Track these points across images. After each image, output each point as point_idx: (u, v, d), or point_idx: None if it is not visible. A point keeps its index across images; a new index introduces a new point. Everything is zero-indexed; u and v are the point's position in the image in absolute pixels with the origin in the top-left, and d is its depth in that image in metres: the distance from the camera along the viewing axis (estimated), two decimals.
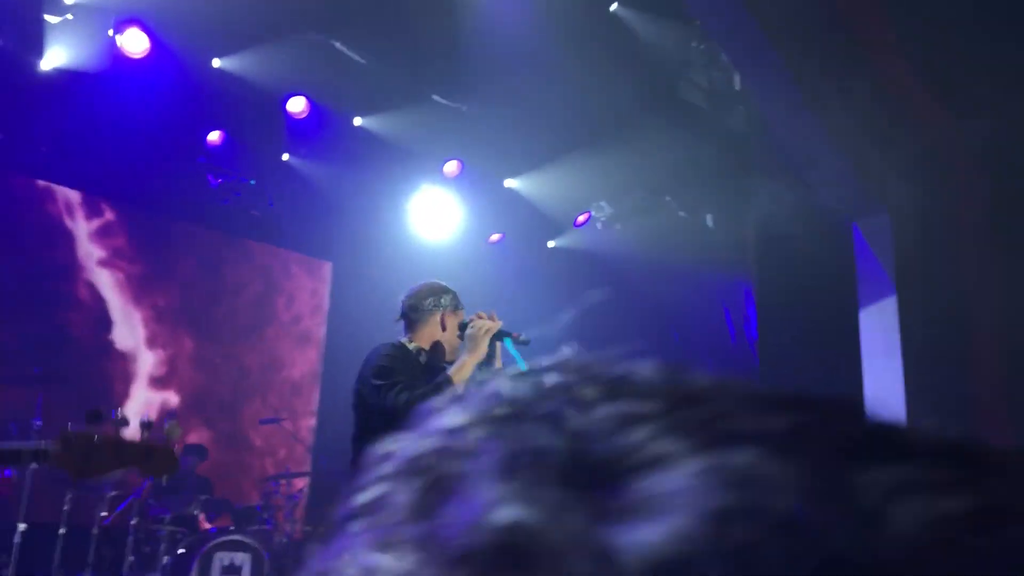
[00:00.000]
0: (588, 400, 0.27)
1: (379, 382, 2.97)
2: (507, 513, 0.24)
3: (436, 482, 0.26)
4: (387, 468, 0.29)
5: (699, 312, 7.88)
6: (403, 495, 0.27)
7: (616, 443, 0.25)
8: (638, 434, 0.25)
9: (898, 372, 6.75)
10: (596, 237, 8.03)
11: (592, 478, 0.24)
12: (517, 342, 3.17)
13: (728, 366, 7.90)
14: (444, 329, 3.24)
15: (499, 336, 3.15)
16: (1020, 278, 5.93)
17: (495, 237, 8.43)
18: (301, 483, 7.47)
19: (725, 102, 7.00)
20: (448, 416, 0.30)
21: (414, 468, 0.28)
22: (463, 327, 3.20)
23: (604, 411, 0.27)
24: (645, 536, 0.22)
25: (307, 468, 8.06)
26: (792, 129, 6.52)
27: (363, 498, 0.29)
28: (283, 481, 7.10)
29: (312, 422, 8.51)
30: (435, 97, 6.98)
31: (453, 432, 0.28)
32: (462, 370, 3.05)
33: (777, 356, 7.59)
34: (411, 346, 3.22)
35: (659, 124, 6.91)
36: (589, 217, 7.98)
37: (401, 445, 0.30)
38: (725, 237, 7.57)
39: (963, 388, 6.09)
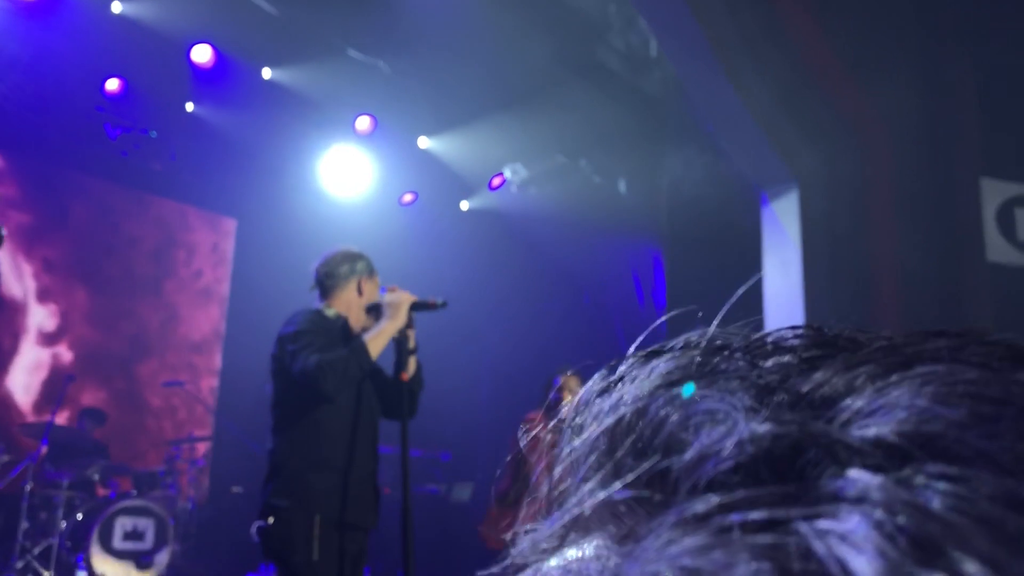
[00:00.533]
0: (765, 352, 0.30)
1: (293, 347, 2.97)
2: (766, 428, 0.26)
3: (676, 421, 0.28)
4: (611, 417, 0.30)
5: (610, 277, 7.83)
6: (647, 432, 0.29)
7: (815, 379, 0.28)
8: (827, 371, 0.28)
9: None
10: (510, 200, 7.97)
11: (813, 404, 0.27)
12: (435, 308, 3.18)
13: (636, 330, 7.90)
14: (360, 295, 3.24)
15: (417, 306, 3.18)
16: (924, 247, 6.13)
17: (408, 198, 8.29)
18: (204, 447, 7.40)
19: (642, 67, 6.99)
20: (654, 370, 0.32)
21: (643, 414, 0.29)
22: (373, 306, 3.22)
23: (780, 360, 0.30)
24: (892, 424, 0.25)
25: (209, 431, 7.92)
26: (707, 96, 6.58)
27: (596, 442, 0.31)
28: (185, 445, 7.00)
29: (214, 383, 8.30)
30: (350, 51, 6.78)
31: (667, 383, 0.30)
32: (380, 337, 3.06)
33: (684, 322, 7.55)
34: (329, 312, 3.21)
35: (576, 87, 6.89)
36: (504, 180, 7.90)
37: (608, 399, 0.32)
38: (637, 202, 7.54)
39: None
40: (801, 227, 6.88)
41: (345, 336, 3.14)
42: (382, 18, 6.41)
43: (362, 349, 2.99)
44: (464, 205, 8.45)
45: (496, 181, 7.98)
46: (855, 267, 6.58)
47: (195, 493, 6.97)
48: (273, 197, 7.98)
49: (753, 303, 7.21)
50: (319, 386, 2.89)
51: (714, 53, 6.10)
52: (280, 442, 3.07)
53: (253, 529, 2.94)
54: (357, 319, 3.20)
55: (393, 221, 8.07)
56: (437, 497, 7.09)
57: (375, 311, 3.18)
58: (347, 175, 7.82)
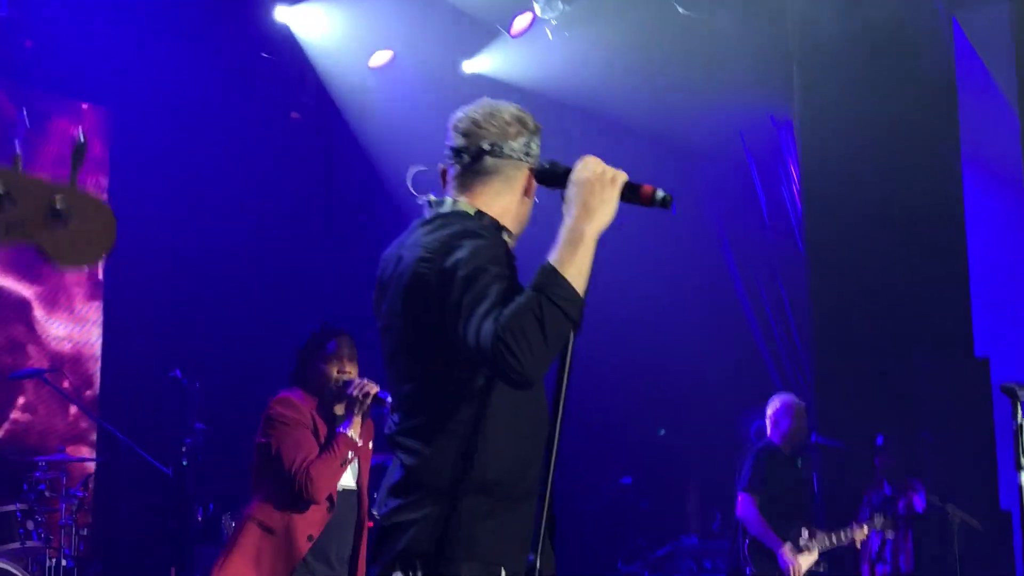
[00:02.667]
0: None
1: (469, 294, 2.40)
2: None
3: None
4: None
5: (710, 163, 7.36)
6: None
7: None
8: None
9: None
10: (543, 50, 7.39)
11: None
12: (654, 203, 2.51)
13: (756, 255, 7.94)
14: (527, 195, 2.71)
15: (631, 194, 2.48)
16: None
17: (383, 57, 7.71)
18: (84, 469, 7.04)
19: None
20: None
21: None
22: (552, 172, 2.55)
23: None
24: None
25: (91, 442, 7.52)
26: None
27: None
28: (57, 468, 6.56)
29: (93, 367, 7.80)
30: None
31: None
32: (581, 250, 2.40)
33: (833, 239, 7.00)
34: (481, 218, 2.68)
35: None
36: (533, 19, 7.28)
37: None
38: (751, 42, 7.03)
39: None
40: (1018, 61, 6.13)
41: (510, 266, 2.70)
42: None
43: (558, 281, 2.37)
44: (468, 64, 7.87)
45: (521, 21, 7.36)
46: None
47: (73, 540, 6.46)
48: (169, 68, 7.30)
49: (943, 185, 6.23)
50: (506, 370, 2.35)
51: None
52: (433, 451, 2.60)
53: None
54: (517, 235, 2.78)
55: (363, 90, 7.53)
56: None
57: (553, 180, 2.58)
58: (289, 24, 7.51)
